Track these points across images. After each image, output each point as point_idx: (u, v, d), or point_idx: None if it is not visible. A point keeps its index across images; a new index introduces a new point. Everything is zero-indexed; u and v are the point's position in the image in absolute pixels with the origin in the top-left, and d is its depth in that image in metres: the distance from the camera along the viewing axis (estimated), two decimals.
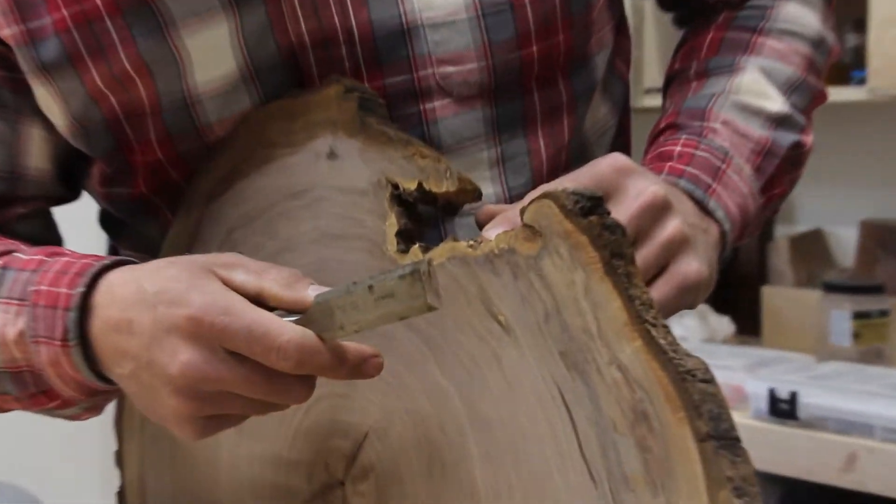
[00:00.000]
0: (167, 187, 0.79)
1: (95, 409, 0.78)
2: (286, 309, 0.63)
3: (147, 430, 0.83)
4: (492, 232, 0.64)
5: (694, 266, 0.68)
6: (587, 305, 0.57)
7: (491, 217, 0.68)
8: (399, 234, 0.68)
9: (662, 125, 0.82)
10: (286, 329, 0.61)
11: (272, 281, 0.64)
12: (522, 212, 0.60)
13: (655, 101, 0.94)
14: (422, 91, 0.75)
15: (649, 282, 0.67)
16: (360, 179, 0.70)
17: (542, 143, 0.79)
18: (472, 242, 0.63)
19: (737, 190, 0.76)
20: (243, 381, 0.62)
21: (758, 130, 0.80)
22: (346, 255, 0.70)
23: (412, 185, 0.68)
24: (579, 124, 0.81)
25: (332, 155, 0.72)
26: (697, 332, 2.20)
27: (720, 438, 0.53)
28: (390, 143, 0.69)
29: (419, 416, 0.66)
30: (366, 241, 0.69)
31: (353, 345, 0.62)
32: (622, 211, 0.66)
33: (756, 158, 0.79)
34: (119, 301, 0.66)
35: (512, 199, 0.77)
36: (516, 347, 0.60)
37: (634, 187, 0.67)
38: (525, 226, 0.60)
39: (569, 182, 0.66)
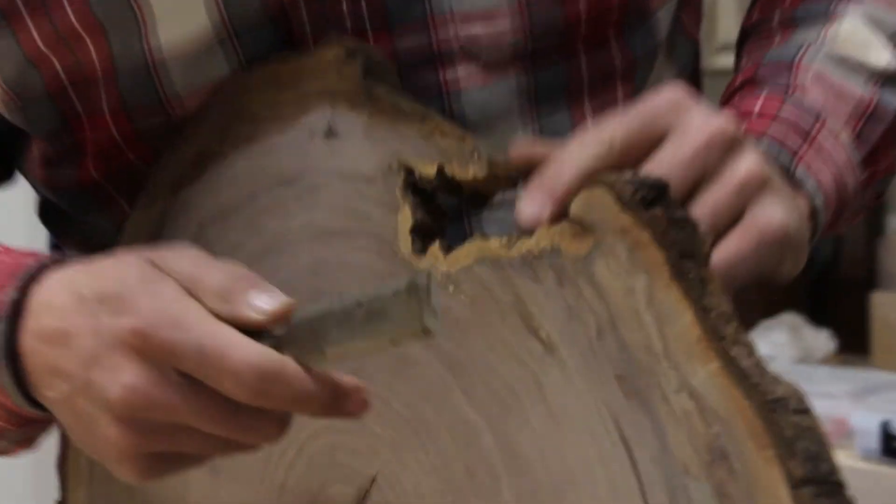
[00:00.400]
0: (122, 172, 0.81)
1: (27, 442, 0.79)
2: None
3: (97, 473, 0.84)
4: (525, 211, 0.64)
5: (778, 215, 0.67)
6: (650, 318, 0.58)
7: (532, 159, 0.68)
8: (414, 230, 0.69)
9: (738, 83, 0.83)
10: (246, 349, 0.61)
11: (205, 290, 0.64)
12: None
13: (731, 60, 0.94)
14: (441, 56, 0.76)
15: (719, 236, 0.67)
16: (366, 163, 0.72)
17: (589, 118, 0.79)
18: (505, 241, 0.64)
19: (831, 159, 0.77)
20: (199, 411, 0.62)
21: (859, 89, 0.80)
22: (348, 256, 0.72)
23: (430, 171, 0.69)
24: (637, 95, 0.82)
25: (330, 133, 0.74)
26: (789, 350, 2.21)
27: (819, 483, 0.54)
28: (403, 117, 0.70)
29: (440, 457, 0.67)
30: (373, 238, 0.71)
31: (332, 375, 0.62)
32: (680, 149, 0.66)
33: (856, 123, 0.80)
34: (56, 309, 0.67)
35: None
36: (562, 371, 0.62)
37: (696, 120, 0.67)
38: (572, 220, 0.61)
39: (615, 124, 0.67)
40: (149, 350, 0.62)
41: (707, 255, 0.58)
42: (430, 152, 0.70)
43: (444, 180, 0.69)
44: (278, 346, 0.62)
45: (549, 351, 0.62)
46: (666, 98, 0.68)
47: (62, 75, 0.77)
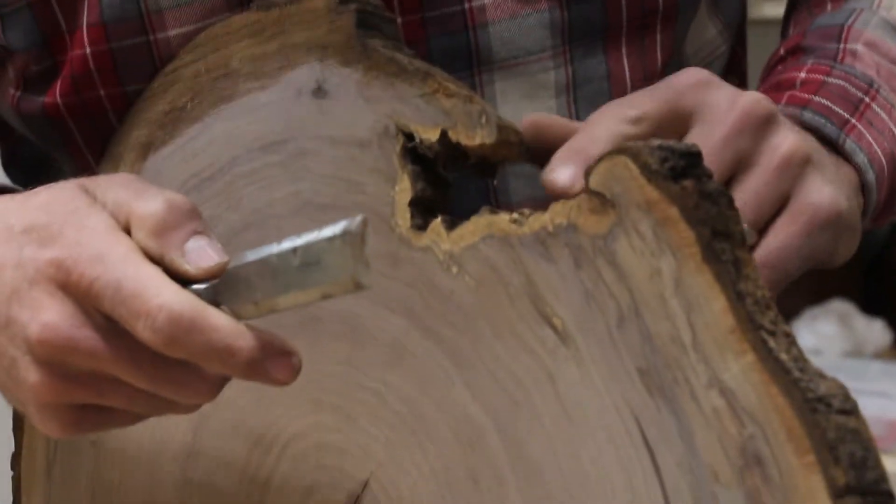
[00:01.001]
0: (87, 108, 0.82)
1: None
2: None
3: (56, 472, 0.85)
4: (559, 173, 0.65)
5: (826, 193, 0.69)
6: (678, 305, 0.59)
7: (543, 133, 0.69)
8: (414, 202, 0.69)
9: (782, 52, 0.84)
10: (163, 292, 0.62)
11: (138, 220, 0.65)
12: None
13: (778, 9, 0.95)
14: None
15: (767, 224, 0.68)
16: (360, 126, 0.72)
17: (626, 64, 0.81)
18: (516, 216, 0.64)
19: (885, 131, 0.78)
20: (121, 358, 0.64)
21: None
22: None
23: (433, 135, 0.70)
24: (678, 46, 0.83)
25: (319, 91, 0.74)
26: (838, 342, 2.21)
27: (865, 493, 0.54)
28: (402, 74, 0.71)
29: (441, 460, 0.67)
30: (367, 212, 0.70)
31: (265, 333, 0.63)
32: (711, 132, 0.67)
33: None
34: None
35: None
36: (578, 363, 0.62)
37: (725, 99, 0.69)
38: (591, 192, 0.61)
39: (643, 98, 0.68)
40: (69, 285, 0.64)
41: (742, 235, 0.58)
42: (433, 114, 0.70)
43: (448, 146, 0.70)
44: (212, 292, 0.63)
45: (564, 341, 0.62)
46: (690, 76, 0.70)
47: None
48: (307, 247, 0.59)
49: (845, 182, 0.73)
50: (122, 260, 0.63)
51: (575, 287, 0.62)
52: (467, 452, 0.66)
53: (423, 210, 0.69)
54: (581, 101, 0.79)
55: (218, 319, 0.62)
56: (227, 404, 0.75)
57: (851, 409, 0.55)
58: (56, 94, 0.82)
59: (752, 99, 0.68)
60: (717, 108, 0.68)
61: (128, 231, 0.65)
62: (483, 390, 0.65)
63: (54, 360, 0.64)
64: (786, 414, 0.55)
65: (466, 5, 0.77)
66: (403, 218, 0.69)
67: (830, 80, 0.78)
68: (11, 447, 0.87)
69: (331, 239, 0.58)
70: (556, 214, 0.63)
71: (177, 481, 0.78)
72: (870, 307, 2.26)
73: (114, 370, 0.64)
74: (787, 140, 0.68)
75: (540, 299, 0.63)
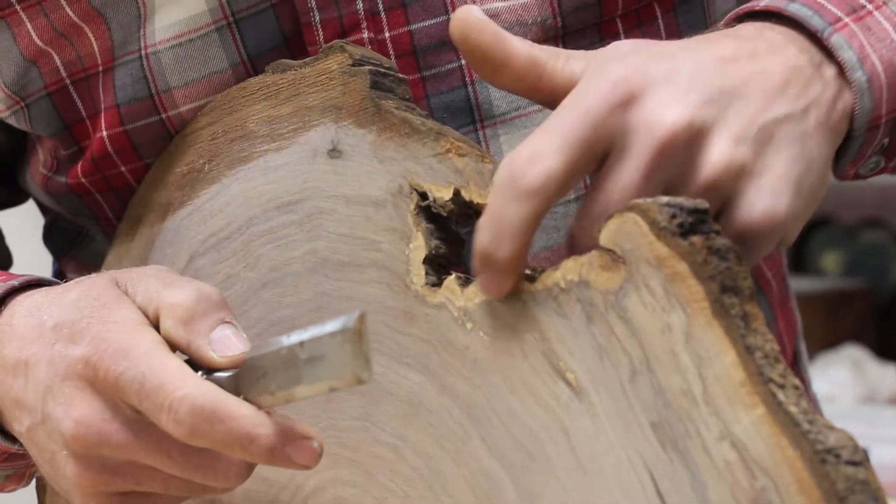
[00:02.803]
0: (110, 183, 0.83)
1: (18, 478, 0.82)
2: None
3: None
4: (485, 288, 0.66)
5: (759, 206, 0.64)
6: (689, 360, 0.59)
7: (470, 37, 0.66)
8: (428, 260, 0.70)
9: None
10: (186, 384, 0.63)
11: (168, 310, 0.67)
12: None
13: None
14: None
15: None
16: (374, 186, 0.73)
17: None
18: (529, 272, 0.65)
19: (886, 40, 0.70)
20: (152, 450, 0.65)
21: None
22: (354, 289, 0.73)
23: (446, 194, 0.70)
24: (693, 26, 0.82)
25: (334, 152, 0.75)
26: (851, 388, 2.20)
27: None
28: (415, 135, 0.72)
29: None
30: (382, 270, 0.72)
31: (285, 419, 0.64)
32: (630, 172, 0.63)
33: None
34: (18, 338, 0.70)
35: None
36: (591, 417, 0.63)
37: (642, 123, 0.63)
38: (602, 250, 0.62)
39: (551, 154, 0.62)
40: (97, 381, 0.65)
41: (751, 290, 0.59)
42: (446, 174, 0.71)
43: (461, 205, 0.70)
44: (234, 382, 0.64)
45: (577, 395, 0.63)
46: (599, 90, 0.64)
47: (62, 71, 0.80)
48: (312, 342, 0.61)
49: (810, 131, 0.66)
50: (146, 354, 0.65)
51: (587, 342, 0.62)
52: None
53: (437, 267, 0.70)
54: None
55: (238, 409, 0.63)
56: None
57: (861, 461, 0.56)
58: (78, 174, 0.83)
59: (671, 119, 0.63)
60: (636, 138, 0.63)
61: (157, 322, 0.67)
62: (498, 444, 0.66)
63: (90, 453, 0.66)
64: (796, 466, 0.56)
65: (463, 61, 0.78)
66: (418, 275, 0.70)
67: None
68: None
69: (332, 335, 0.60)
70: (567, 271, 0.63)
71: None
72: (883, 352, 2.26)
73: (146, 460, 0.65)
74: (715, 155, 0.63)
75: (553, 354, 0.64)
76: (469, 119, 0.79)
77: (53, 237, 0.93)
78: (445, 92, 0.79)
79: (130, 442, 0.65)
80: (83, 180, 0.83)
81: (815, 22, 0.68)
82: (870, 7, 0.71)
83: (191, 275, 0.79)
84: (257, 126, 0.77)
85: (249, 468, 0.66)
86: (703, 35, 0.69)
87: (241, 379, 0.65)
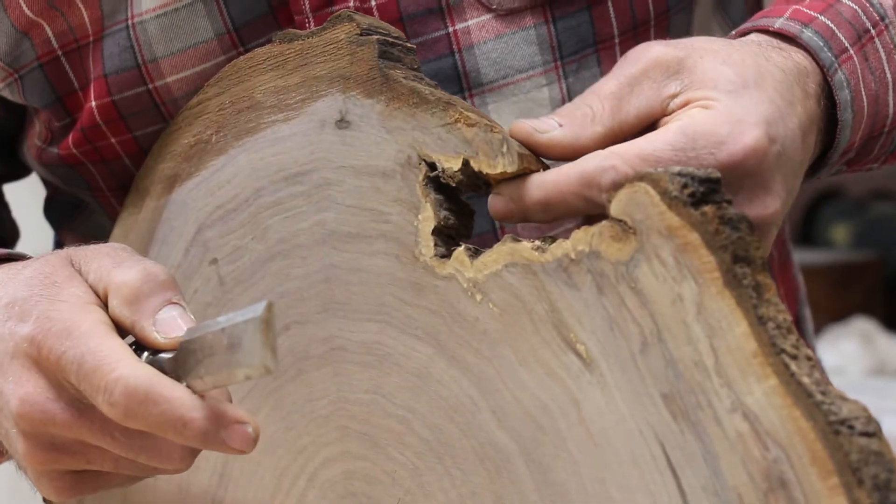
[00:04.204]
0: (101, 154, 0.83)
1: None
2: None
3: None
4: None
5: (755, 212, 0.68)
6: (700, 330, 0.59)
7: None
8: (437, 231, 0.70)
9: None
10: (121, 366, 0.64)
11: (114, 290, 0.67)
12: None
13: None
14: (450, 4, 0.77)
15: None
16: (383, 157, 0.72)
17: None
18: (539, 243, 0.65)
19: (877, 72, 0.75)
20: (96, 430, 0.66)
21: None
22: (363, 261, 0.72)
23: (455, 165, 0.70)
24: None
25: (342, 122, 0.74)
26: (861, 360, 2.21)
27: None
28: (424, 105, 0.71)
29: (467, 486, 0.68)
30: (391, 241, 0.71)
31: (220, 403, 0.64)
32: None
33: None
34: None
35: None
36: (602, 389, 0.62)
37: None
38: (613, 220, 0.62)
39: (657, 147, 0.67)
40: (41, 360, 0.66)
41: (763, 260, 0.59)
42: (455, 144, 0.70)
43: (470, 175, 0.70)
44: (174, 366, 0.65)
45: (588, 366, 0.63)
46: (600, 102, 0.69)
47: (54, 42, 0.80)
48: (231, 328, 0.61)
49: (797, 134, 0.71)
50: (87, 333, 0.65)
51: (598, 313, 0.62)
52: (494, 478, 0.67)
53: (446, 238, 0.70)
54: None
55: (172, 392, 0.63)
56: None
57: (874, 432, 0.56)
58: (69, 145, 0.83)
59: (669, 139, 0.67)
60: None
61: (107, 300, 0.67)
62: (508, 416, 0.66)
63: (37, 430, 0.66)
64: (809, 437, 0.56)
65: (450, 28, 0.78)
66: (427, 247, 0.70)
67: (844, 1, 0.76)
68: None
69: (245, 323, 0.60)
70: (578, 241, 0.63)
71: None
72: (892, 325, 2.26)
73: (91, 440, 0.66)
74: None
75: (564, 326, 0.64)
76: (457, 87, 0.79)
77: (53, 210, 0.93)
78: (433, 60, 0.79)
79: (74, 422, 0.66)
80: (74, 151, 0.83)
81: (824, 57, 0.73)
82: (873, 32, 0.75)
83: (199, 247, 0.79)
84: (265, 96, 0.77)
85: (193, 452, 0.66)
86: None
87: (180, 362, 0.65)
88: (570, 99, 0.78)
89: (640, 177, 0.61)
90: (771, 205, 0.68)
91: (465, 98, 0.79)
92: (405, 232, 0.71)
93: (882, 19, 0.77)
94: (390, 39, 0.74)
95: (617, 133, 0.68)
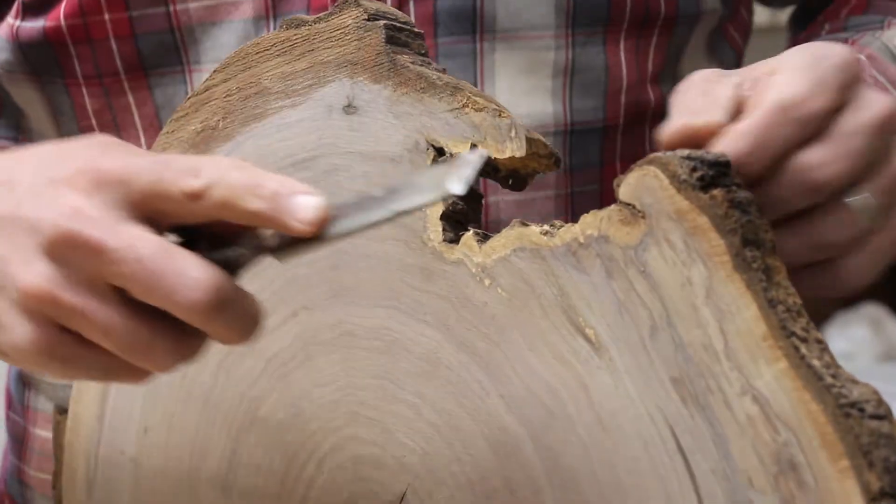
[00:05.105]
0: (89, 32, 0.84)
1: None
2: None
3: (97, 491, 0.85)
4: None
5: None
6: (710, 314, 0.59)
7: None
8: (446, 217, 0.70)
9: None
10: (211, 163, 0.61)
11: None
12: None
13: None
14: None
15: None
16: (390, 142, 0.73)
17: (623, 60, 0.82)
18: (547, 228, 0.65)
19: None
20: (130, 250, 0.60)
21: None
22: (371, 247, 0.73)
23: (463, 149, 0.70)
24: (672, 59, 0.85)
25: (350, 108, 0.74)
26: (871, 346, 2.20)
27: None
28: (431, 90, 0.71)
29: (477, 470, 0.68)
30: (399, 227, 0.72)
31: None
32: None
33: None
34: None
35: (574, 124, 0.80)
36: (611, 373, 0.63)
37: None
38: (622, 204, 0.62)
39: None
40: (101, 179, 0.62)
41: (772, 243, 0.59)
42: (463, 128, 0.70)
43: None
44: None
45: (597, 351, 0.63)
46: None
47: None
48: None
49: None
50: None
51: (607, 297, 0.62)
52: (503, 463, 0.67)
53: (454, 223, 0.70)
54: (576, 87, 0.80)
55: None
56: (264, 420, 0.76)
57: (885, 414, 0.56)
58: (60, 15, 0.83)
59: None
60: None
61: None
62: (518, 401, 0.66)
63: (67, 256, 0.61)
64: (819, 420, 0.56)
65: None
66: (435, 232, 0.70)
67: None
68: None
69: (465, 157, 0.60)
70: (586, 226, 0.63)
71: (216, 496, 0.78)
72: None
73: (113, 262, 0.60)
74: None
75: (572, 310, 0.64)
76: (470, 27, 0.80)
77: None
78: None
79: (79, 305, 0.61)
80: (63, 23, 0.83)
81: None
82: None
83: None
84: (272, 82, 0.77)
85: (194, 351, 0.63)
86: None
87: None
88: (574, 70, 0.80)
89: (650, 160, 0.61)
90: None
91: (475, 41, 0.80)
92: (413, 217, 0.71)
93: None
94: (398, 24, 0.74)
95: None
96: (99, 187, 0.61)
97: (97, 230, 0.60)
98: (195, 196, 0.60)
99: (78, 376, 0.66)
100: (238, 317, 0.61)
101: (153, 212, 0.61)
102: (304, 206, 0.60)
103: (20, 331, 0.63)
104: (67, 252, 0.61)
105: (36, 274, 0.62)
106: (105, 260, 0.60)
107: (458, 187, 0.58)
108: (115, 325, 0.61)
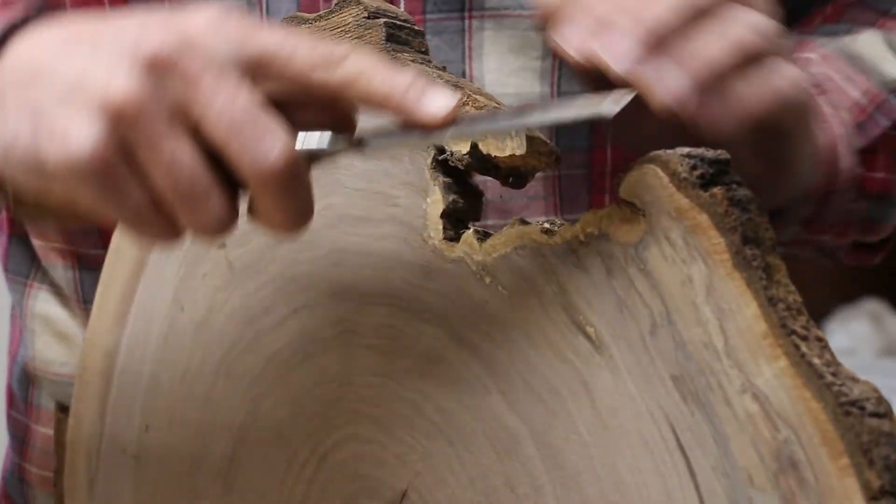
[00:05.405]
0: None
1: None
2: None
3: (98, 488, 0.85)
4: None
5: (789, 73, 0.69)
6: (710, 312, 0.59)
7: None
8: (446, 214, 0.70)
9: None
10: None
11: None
12: None
13: None
14: None
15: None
16: None
17: None
18: (548, 226, 0.65)
19: (827, 125, 0.77)
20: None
21: (869, 83, 0.82)
22: (372, 244, 0.73)
23: (463, 147, 0.70)
24: None
25: None
26: (871, 341, 2.20)
27: None
28: None
29: (478, 468, 0.68)
30: (400, 225, 0.72)
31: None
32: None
33: (860, 114, 0.81)
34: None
35: None
36: (612, 371, 0.63)
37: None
38: (622, 202, 0.62)
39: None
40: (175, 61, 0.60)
41: (773, 241, 0.59)
42: None
43: (479, 158, 0.70)
44: None
45: (598, 349, 0.63)
46: None
47: None
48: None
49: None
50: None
51: (607, 295, 0.62)
52: (504, 461, 0.67)
53: (454, 221, 0.70)
54: (565, 69, 0.80)
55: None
56: (265, 417, 0.76)
57: (885, 412, 0.56)
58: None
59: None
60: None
61: None
62: (518, 399, 0.66)
63: (164, 79, 0.60)
64: (819, 418, 0.56)
65: None
66: (436, 230, 0.70)
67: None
68: None
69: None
70: (587, 224, 0.63)
71: (217, 494, 0.78)
72: None
73: (207, 98, 0.60)
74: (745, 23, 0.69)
75: (573, 308, 0.64)
76: (458, 4, 0.80)
77: None
78: None
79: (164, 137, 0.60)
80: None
81: None
82: (815, 95, 0.79)
83: None
84: None
85: (232, 215, 0.63)
86: None
87: None
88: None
89: (650, 158, 0.61)
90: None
91: (464, 18, 0.81)
92: (414, 215, 0.71)
93: (819, 87, 0.80)
94: (398, 22, 0.74)
95: None
96: (218, 34, 0.61)
97: (201, 63, 0.60)
98: (330, 65, 0.61)
99: (110, 210, 0.62)
100: (296, 202, 0.61)
101: (265, 77, 0.61)
102: (437, 95, 0.61)
103: (86, 133, 0.60)
104: (167, 73, 0.60)
105: (129, 84, 0.60)
106: (200, 91, 0.60)
107: (612, 108, 0.59)
108: (183, 162, 0.60)
